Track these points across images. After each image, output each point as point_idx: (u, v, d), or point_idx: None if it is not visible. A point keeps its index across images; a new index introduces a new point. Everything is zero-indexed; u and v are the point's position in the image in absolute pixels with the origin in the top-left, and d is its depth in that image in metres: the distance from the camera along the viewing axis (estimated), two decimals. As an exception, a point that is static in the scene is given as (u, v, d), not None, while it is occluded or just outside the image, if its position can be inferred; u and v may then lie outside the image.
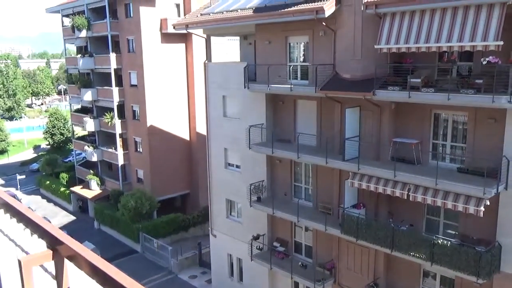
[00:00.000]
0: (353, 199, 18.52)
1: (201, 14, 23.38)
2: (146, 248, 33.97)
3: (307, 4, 17.76)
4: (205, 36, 25.08)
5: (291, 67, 20.02)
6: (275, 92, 20.19)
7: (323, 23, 17.77)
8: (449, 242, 15.40)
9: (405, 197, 15.91)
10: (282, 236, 22.61)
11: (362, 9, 16.48)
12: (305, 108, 20.47)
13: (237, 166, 24.28)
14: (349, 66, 17.63)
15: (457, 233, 16.31)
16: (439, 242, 15.45)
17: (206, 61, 24.99)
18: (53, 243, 2.33)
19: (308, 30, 18.99)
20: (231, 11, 21.29)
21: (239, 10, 20.79)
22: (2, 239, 2.87)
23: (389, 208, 17.90)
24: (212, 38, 25.22)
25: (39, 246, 2.46)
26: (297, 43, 20.21)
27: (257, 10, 19.73)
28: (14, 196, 45.47)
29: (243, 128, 21.81)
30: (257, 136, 21.19)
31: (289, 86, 18.93)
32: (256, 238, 22.56)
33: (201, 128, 35.13)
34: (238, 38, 25.02)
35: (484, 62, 13.89)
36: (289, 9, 18.17)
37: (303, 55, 20.10)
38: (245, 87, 21.13)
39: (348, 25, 17.39)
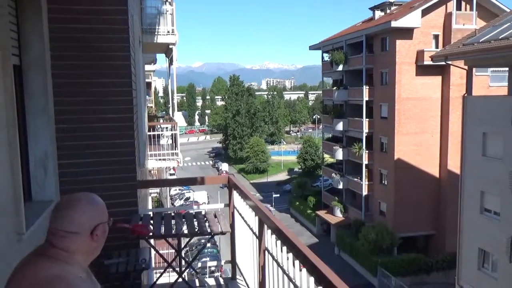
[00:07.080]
0: None
1: (463, 45, 21.80)
2: (383, 284, 32.95)
3: None
4: (466, 67, 23.22)
5: None
6: (553, 131, 17.02)
7: None
8: None
9: None
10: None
11: None
12: None
13: (495, 213, 21.26)
14: None
15: None
16: None
17: (466, 95, 23.01)
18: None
19: None
20: (501, 39, 19.14)
21: (511, 38, 18.50)
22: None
23: None
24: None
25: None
26: None
27: (534, 37, 17.17)
28: (268, 212, 51.11)
29: (506, 170, 19.05)
30: (524, 181, 18.20)
31: None
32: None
33: (454, 166, 32.36)
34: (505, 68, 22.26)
35: None
36: None
37: None
38: (512, 125, 18.52)
39: None
